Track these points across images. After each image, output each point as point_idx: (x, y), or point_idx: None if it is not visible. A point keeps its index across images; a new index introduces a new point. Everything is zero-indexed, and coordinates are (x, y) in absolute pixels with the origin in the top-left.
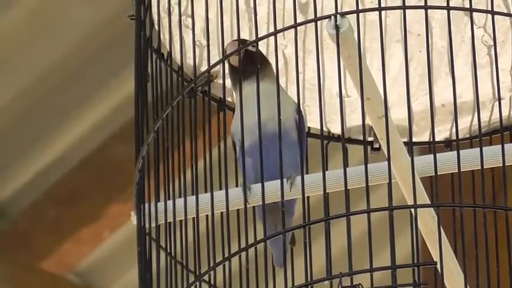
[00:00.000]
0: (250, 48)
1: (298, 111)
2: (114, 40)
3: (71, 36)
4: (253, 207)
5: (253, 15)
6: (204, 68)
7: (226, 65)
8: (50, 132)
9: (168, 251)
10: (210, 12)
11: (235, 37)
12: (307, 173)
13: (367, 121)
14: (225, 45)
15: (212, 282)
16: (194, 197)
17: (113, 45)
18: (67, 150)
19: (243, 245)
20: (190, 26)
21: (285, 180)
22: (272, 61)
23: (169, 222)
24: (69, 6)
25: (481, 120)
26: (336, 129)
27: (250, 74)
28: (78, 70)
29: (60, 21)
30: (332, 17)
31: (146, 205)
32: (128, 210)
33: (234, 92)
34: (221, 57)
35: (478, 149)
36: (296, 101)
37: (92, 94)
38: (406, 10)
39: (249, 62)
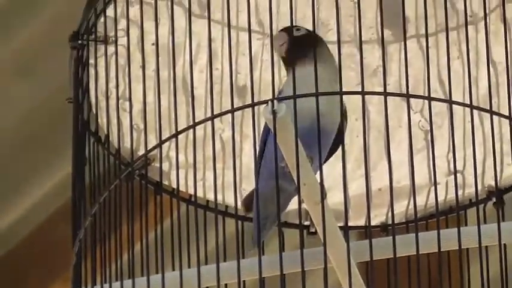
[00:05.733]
0: (295, 33)
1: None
2: (55, 119)
3: (11, 115)
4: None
5: (190, 99)
6: (141, 151)
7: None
8: None
9: None
10: (148, 95)
11: (173, 120)
12: (243, 257)
13: (303, 206)
14: (161, 127)
15: None
16: (131, 280)
17: (54, 124)
18: (7, 229)
19: None
20: (128, 109)
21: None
22: (209, 145)
23: None
24: (8, 85)
25: (417, 205)
26: None
27: (302, 58)
28: (18, 149)
29: None
30: (269, 102)
31: None
32: None
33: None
34: (158, 141)
35: (414, 234)
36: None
37: (33, 173)
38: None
39: (299, 48)
